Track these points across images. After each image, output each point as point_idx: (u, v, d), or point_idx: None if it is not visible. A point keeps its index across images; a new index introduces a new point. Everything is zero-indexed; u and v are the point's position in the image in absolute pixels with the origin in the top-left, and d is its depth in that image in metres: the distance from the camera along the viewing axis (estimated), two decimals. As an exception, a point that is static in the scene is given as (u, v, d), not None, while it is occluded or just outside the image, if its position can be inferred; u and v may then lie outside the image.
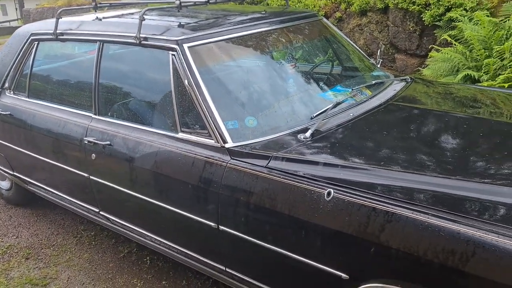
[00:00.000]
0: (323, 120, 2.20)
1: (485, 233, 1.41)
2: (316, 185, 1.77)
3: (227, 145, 2.06)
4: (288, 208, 1.82)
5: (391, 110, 2.41)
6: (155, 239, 2.48)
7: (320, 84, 2.77)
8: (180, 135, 2.23)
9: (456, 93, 2.83)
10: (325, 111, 2.24)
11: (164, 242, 2.44)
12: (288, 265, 1.89)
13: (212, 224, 2.07)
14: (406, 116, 2.38)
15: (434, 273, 1.49)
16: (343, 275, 1.70)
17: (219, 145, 2.08)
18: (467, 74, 4.04)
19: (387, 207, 1.59)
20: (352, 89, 2.59)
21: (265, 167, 1.93)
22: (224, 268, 2.18)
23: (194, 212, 2.16)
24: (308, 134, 2.08)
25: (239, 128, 2.15)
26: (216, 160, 2.06)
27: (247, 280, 2.11)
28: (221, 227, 2.05)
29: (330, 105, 2.29)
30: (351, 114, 2.31)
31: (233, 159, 2.03)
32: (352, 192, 1.69)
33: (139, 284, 2.71)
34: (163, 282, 2.72)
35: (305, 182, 1.80)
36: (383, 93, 2.64)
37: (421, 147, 1.99)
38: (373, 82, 2.75)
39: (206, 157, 2.10)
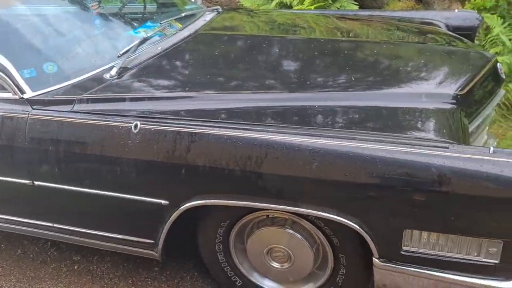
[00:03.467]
0: (131, 56, 2.15)
1: (274, 135, 1.56)
2: (123, 120, 1.76)
3: (25, 96, 1.92)
4: (99, 148, 1.78)
5: (200, 39, 2.45)
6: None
7: (130, 22, 2.69)
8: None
9: (268, 18, 2.98)
10: (131, 47, 2.19)
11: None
12: (111, 205, 1.88)
13: (27, 181, 1.95)
14: (214, 43, 2.45)
15: (238, 180, 1.61)
16: (163, 201, 1.76)
17: (17, 97, 1.92)
18: (280, 1, 4.28)
19: (191, 128, 1.66)
20: (161, 23, 2.56)
21: (70, 111, 1.85)
22: (51, 225, 2.09)
23: (6, 174, 2.01)
24: (113, 72, 2.02)
25: (38, 76, 1.99)
26: (16, 113, 1.91)
27: (78, 231, 2.06)
28: (36, 183, 1.94)
29: (137, 41, 2.25)
30: (160, 48, 2.30)
31: (35, 109, 1.89)
32: (158, 120, 1.72)
33: None
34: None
35: (112, 120, 1.77)
36: (193, 24, 2.66)
37: (225, 70, 2.09)
38: (183, 14, 2.75)
39: (5, 112, 1.93)
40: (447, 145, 1.44)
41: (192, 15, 2.81)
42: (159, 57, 2.21)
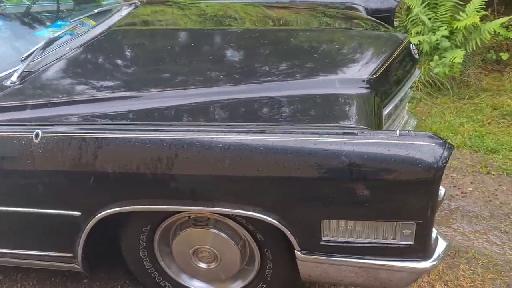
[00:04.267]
0: (35, 60, 2.01)
1: (183, 134, 1.50)
2: (23, 130, 1.63)
3: None
4: (1, 162, 1.66)
5: (112, 36, 2.34)
6: None
7: (41, 22, 2.54)
8: None
9: (193, 10, 2.88)
10: (36, 50, 2.05)
11: None
12: (24, 221, 1.76)
13: None
14: (127, 39, 2.35)
15: (151, 183, 1.54)
16: (75, 212, 1.66)
17: None
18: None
19: (96, 133, 1.56)
20: (71, 22, 2.42)
21: (-35, 124, 1.70)
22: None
23: None
24: (14, 78, 1.88)
25: None
26: None
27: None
28: None
29: (42, 43, 2.10)
30: (68, 48, 2.16)
31: None
32: (60, 128, 1.61)
33: None
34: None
35: (11, 130, 1.65)
36: (107, 20, 2.53)
37: (135, 68, 2.00)
38: (96, 10, 2.61)
39: None
40: (356, 131, 1.43)
41: (107, 11, 2.68)
42: (67, 58, 2.08)
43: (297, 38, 2.15)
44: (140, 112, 1.63)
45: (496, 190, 2.62)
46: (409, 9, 3.67)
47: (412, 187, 1.38)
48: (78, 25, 2.46)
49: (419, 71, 2.24)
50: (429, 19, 3.58)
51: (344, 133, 1.42)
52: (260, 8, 2.79)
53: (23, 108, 1.72)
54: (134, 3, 2.89)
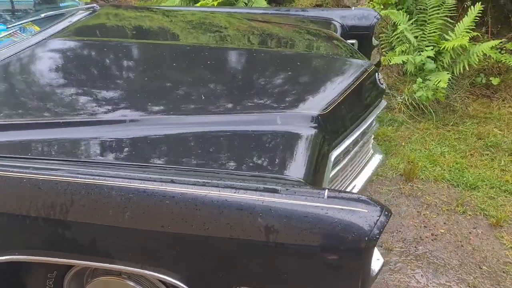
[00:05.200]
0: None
1: (81, 177, 1.27)
2: None
3: None
4: None
5: (47, 48, 2.10)
6: None
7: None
8: None
9: (155, 18, 2.67)
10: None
11: None
12: None
13: None
14: (62, 52, 2.10)
15: (43, 232, 1.32)
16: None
17: None
18: (185, -5, 3.96)
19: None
20: (8, 27, 2.19)
21: None
22: None
23: None
24: None
25: None
26: None
27: None
28: None
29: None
30: (-5, 58, 1.94)
31: None
32: None
33: None
34: None
35: None
36: (53, 27, 2.31)
37: (53, 89, 1.74)
38: (42, 15, 2.39)
39: None
40: (279, 187, 1.20)
41: (58, 16, 2.46)
42: (-12, 71, 1.85)
43: (244, 59, 1.92)
44: (40, 145, 1.40)
45: (470, 233, 2.39)
46: (395, 25, 3.43)
47: (338, 260, 1.15)
48: (18, 30, 2.25)
49: (385, 102, 2.00)
50: (416, 37, 3.33)
51: (264, 189, 1.19)
52: (216, 18, 2.57)
53: None
54: (92, 7, 2.68)
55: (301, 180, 1.31)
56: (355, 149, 1.86)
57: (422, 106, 3.38)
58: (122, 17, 2.69)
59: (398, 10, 3.45)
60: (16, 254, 1.38)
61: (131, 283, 1.49)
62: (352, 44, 2.48)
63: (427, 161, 2.95)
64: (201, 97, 1.58)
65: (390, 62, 3.39)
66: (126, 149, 1.42)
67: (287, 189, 1.19)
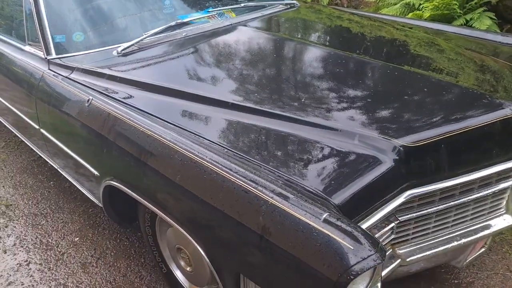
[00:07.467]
0: (148, 38, 2.28)
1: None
2: (83, 92, 1.96)
3: (49, 57, 2.26)
4: (67, 109, 2.03)
5: (233, 33, 2.41)
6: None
7: (193, 6, 2.79)
8: (27, 48, 2.45)
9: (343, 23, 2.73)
10: (158, 30, 2.30)
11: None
12: (74, 165, 2.14)
13: (36, 126, 2.34)
14: (243, 40, 2.37)
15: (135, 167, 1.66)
16: (96, 172, 1.92)
17: (43, 56, 2.28)
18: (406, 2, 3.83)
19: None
20: (209, 11, 2.63)
21: (66, 77, 2.12)
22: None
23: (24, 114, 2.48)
24: (120, 49, 2.22)
25: (66, 42, 2.32)
26: (38, 69, 2.28)
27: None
28: (41, 130, 2.31)
29: (164, 26, 2.36)
30: (184, 34, 2.38)
31: (49, 69, 2.23)
32: (107, 101, 1.85)
33: (30, 182, 3.09)
34: (51, 183, 3.07)
35: (77, 89, 1.99)
36: (246, 16, 2.64)
37: (221, 72, 2.05)
38: (242, 4, 2.76)
39: (34, 67, 2.32)
40: (290, 195, 1.22)
41: (258, 7, 2.78)
42: (173, 44, 2.29)
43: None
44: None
45: None
46: None
47: (311, 283, 1.11)
48: (216, 15, 2.67)
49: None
50: None
51: (279, 194, 1.24)
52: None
53: (101, 75, 2.04)
54: (292, 3, 2.92)
55: (330, 200, 1.27)
56: (458, 201, 1.60)
57: None
58: (319, 17, 2.81)
59: None
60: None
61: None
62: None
63: None
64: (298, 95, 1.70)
65: None
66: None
67: (296, 199, 1.20)
